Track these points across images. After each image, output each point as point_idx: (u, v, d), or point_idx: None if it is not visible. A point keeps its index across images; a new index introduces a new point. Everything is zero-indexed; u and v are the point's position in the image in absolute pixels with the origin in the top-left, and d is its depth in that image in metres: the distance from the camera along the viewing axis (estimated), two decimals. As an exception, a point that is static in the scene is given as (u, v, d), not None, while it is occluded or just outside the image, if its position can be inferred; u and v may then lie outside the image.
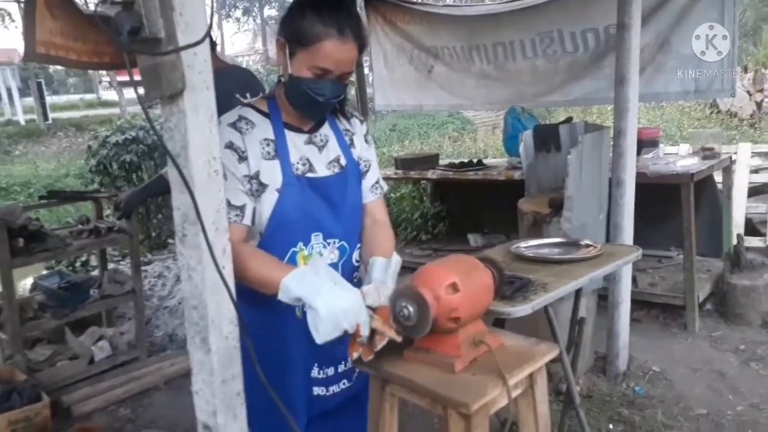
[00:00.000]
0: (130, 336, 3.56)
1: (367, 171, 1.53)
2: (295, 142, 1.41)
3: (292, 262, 1.38)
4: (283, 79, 1.38)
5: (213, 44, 3.05)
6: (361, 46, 1.33)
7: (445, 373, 1.20)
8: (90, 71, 23.47)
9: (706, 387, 2.86)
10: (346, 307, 1.17)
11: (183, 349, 3.62)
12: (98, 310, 3.50)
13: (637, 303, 3.46)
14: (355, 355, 1.22)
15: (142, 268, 4.36)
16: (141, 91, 1.03)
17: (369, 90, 5.38)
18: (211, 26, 1.01)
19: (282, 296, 1.21)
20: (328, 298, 1.16)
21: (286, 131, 1.40)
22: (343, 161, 1.46)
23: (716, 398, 2.76)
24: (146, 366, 3.35)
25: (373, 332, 1.20)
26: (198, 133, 0.99)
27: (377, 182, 1.55)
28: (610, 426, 2.58)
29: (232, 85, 2.31)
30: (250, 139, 1.35)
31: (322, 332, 1.16)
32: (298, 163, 1.39)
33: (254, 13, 30.47)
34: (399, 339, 1.21)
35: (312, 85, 1.31)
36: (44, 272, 4.05)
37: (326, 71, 1.30)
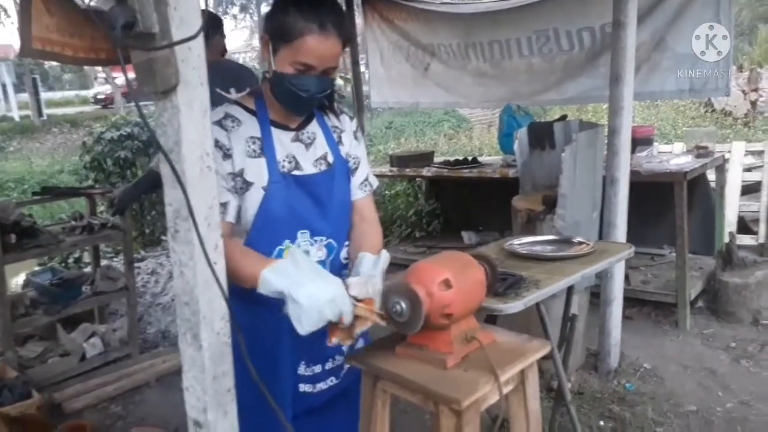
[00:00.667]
0: (123, 333, 3.55)
1: (356, 168, 1.53)
2: (282, 139, 1.40)
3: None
4: (268, 76, 1.38)
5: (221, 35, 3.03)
6: (345, 40, 1.33)
7: (436, 369, 1.21)
8: (85, 67, 23.37)
9: (697, 384, 2.88)
10: (329, 298, 1.16)
11: (175, 346, 3.56)
12: (90, 307, 3.49)
13: (630, 300, 3.47)
14: (335, 341, 1.22)
15: (135, 264, 4.35)
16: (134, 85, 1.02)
17: (365, 88, 5.38)
18: (205, 22, 1.00)
19: (262, 289, 1.21)
20: (311, 290, 1.16)
21: (273, 129, 1.40)
22: (330, 158, 1.46)
23: (706, 395, 2.78)
24: (138, 363, 3.34)
25: (354, 319, 1.21)
26: (191, 128, 0.99)
27: (366, 179, 1.55)
28: (601, 423, 2.60)
29: (218, 79, 2.29)
30: (235, 137, 1.35)
31: (305, 324, 1.16)
32: (284, 160, 1.39)
33: (251, 10, 30.37)
34: (383, 323, 1.22)
35: (295, 81, 1.31)
36: (36, 268, 4.04)
37: (309, 67, 1.30)
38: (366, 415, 1.33)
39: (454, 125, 14.43)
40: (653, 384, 2.90)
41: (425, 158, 4.85)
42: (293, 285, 1.17)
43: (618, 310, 3.00)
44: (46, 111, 17.23)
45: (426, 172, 4.63)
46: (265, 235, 1.36)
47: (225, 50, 3.18)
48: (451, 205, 5.42)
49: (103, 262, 4.02)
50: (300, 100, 1.33)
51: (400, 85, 5.03)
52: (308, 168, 1.42)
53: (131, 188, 3.14)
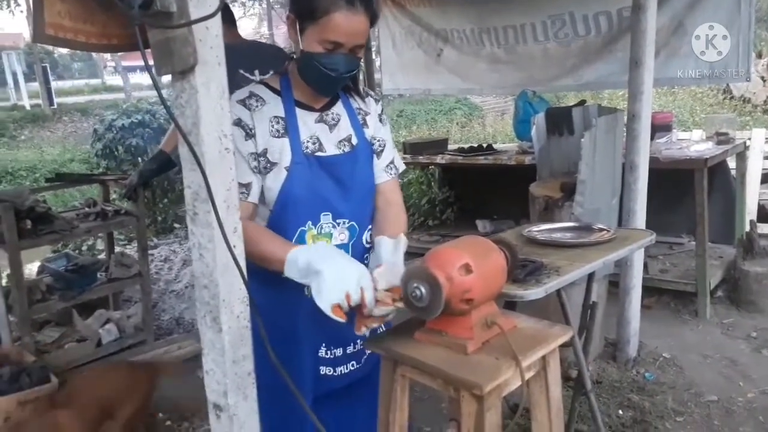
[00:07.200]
0: (137, 319, 3.56)
1: (381, 150, 1.51)
2: (306, 120, 1.39)
3: (301, 241, 1.37)
4: (295, 56, 1.37)
5: (233, 21, 3.01)
6: (373, 16, 1.30)
7: (457, 354, 1.19)
8: (95, 56, 23.47)
9: (717, 374, 2.85)
10: (351, 272, 1.16)
11: (190, 332, 3.62)
12: (105, 293, 3.50)
13: (648, 289, 3.42)
14: (364, 329, 1.21)
15: (149, 251, 4.36)
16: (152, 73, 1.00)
17: (377, 75, 5.33)
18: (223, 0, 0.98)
19: (289, 269, 1.20)
20: (335, 264, 1.16)
21: (297, 109, 1.39)
22: (354, 140, 1.44)
23: (727, 385, 2.74)
24: (153, 349, 3.35)
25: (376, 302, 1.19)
26: (209, 109, 0.97)
27: (392, 162, 1.53)
28: (620, 412, 2.57)
29: (238, 62, 2.28)
30: (259, 116, 1.34)
31: (325, 296, 1.14)
32: (307, 141, 1.38)
33: (260, -2, 30.29)
34: (399, 305, 1.20)
35: (324, 60, 1.29)
36: (50, 255, 4.06)
37: (337, 45, 1.27)
38: (385, 400, 1.31)
39: (467, 113, 14.33)
40: (673, 373, 2.86)
41: (439, 145, 4.80)
42: (318, 258, 1.17)
43: (637, 298, 2.96)
44: (56, 100, 17.29)
45: (440, 159, 4.58)
46: (287, 215, 1.35)
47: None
48: (465, 193, 5.38)
49: (117, 250, 4.03)
50: (328, 79, 1.31)
51: (412, 72, 4.97)
52: (331, 149, 1.41)
53: (144, 168, 3.18)
